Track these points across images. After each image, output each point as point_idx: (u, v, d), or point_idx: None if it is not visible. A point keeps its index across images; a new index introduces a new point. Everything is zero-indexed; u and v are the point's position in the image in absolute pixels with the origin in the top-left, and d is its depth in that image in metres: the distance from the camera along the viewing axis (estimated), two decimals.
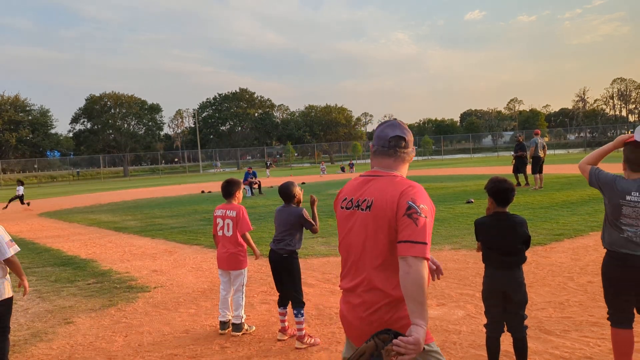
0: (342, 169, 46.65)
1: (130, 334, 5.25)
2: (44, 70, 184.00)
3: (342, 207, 2.45)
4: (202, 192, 27.02)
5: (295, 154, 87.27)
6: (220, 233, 5.30)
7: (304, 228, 4.98)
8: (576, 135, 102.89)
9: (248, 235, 5.33)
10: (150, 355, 4.64)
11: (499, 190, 3.71)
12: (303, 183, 29.56)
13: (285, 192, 5.00)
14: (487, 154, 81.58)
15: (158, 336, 5.14)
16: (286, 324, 4.97)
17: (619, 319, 3.44)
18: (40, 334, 5.34)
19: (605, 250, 3.53)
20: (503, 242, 3.67)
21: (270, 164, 50.28)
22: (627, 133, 3.60)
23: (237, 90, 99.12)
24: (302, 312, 4.72)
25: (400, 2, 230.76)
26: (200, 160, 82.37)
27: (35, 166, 78.33)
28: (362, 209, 2.31)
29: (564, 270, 6.65)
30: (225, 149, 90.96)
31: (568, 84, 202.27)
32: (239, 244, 5.25)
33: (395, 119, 2.48)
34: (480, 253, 3.92)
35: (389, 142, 2.37)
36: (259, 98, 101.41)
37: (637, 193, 3.29)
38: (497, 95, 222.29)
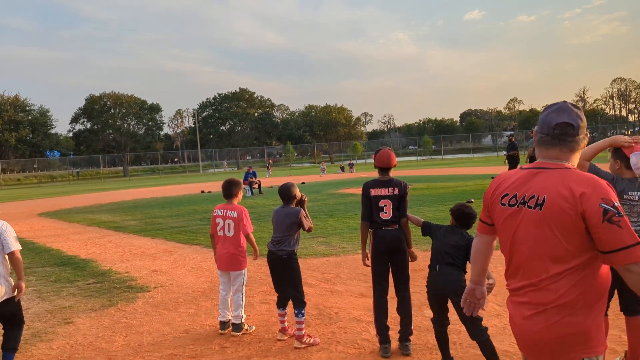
0: (342, 169, 46.69)
1: (130, 334, 5.25)
2: (43, 70, 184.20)
3: (503, 204, 2.22)
4: (202, 192, 27.02)
5: (295, 154, 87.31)
6: (220, 233, 5.24)
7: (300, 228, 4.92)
8: None
9: (252, 236, 5.30)
10: (150, 355, 4.64)
11: (461, 215, 4.02)
12: (303, 183, 29.56)
13: (286, 192, 4.93)
14: (487, 153, 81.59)
15: (158, 336, 5.14)
16: (286, 324, 4.96)
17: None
18: (40, 334, 5.34)
19: None
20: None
21: (268, 165, 50.23)
22: (627, 134, 3.60)
23: (237, 90, 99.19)
24: (302, 312, 4.70)
25: (399, 2, 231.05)
26: (200, 160, 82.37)
27: (35, 166, 78.32)
28: (530, 207, 2.09)
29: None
30: (225, 149, 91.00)
31: (568, 84, 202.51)
32: (239, 244, 5.22)
33: (565, 101, 2.18)
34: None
35: (553, 130, 2.13)
36: (259, 98, 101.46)
37: (633, 192, 3.46)
38: (497, 95, 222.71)
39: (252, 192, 22.15)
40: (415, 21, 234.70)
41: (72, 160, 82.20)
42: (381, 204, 4.42)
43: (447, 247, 3.97)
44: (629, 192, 3.48)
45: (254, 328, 5.18)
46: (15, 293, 4.19)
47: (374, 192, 4.47)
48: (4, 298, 4.13)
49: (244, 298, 5.23)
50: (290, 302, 4.89)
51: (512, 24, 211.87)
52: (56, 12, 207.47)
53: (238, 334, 5.03)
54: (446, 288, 3.92)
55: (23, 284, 4.21)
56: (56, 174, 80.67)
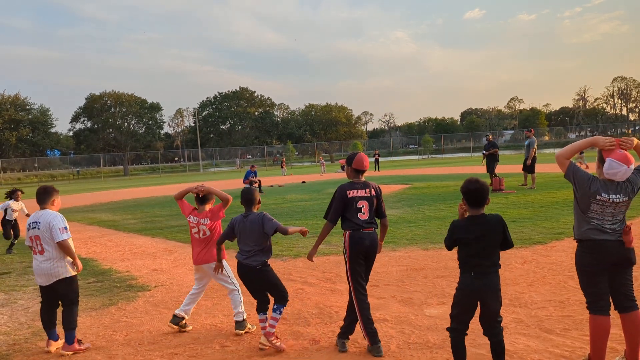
0: (342, 168, 46.62)
1: (130, 333, 5.25)
2: (43, 69, 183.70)
3: None
4: None
5: (296, 153, 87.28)
6: (197, 236, 5.35)
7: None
8: (577, 134, 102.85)
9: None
10: (151, 354, 4.64)
11: (469, 191, 3.64)
12: (303, 182, 29.55)
13: (249, 197, 4.83)
14: None
15: (158, 335, 5.14)
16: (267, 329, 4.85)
17: (598, 305, 3.71)
18: (40, 333, 5.33)
19: (576, 244, 3.86)
20: (479, 246, 3.58)
21: (281, 163, 50.16)
22: (627, 133, 3.70)
23: (237, 89, 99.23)
24: (282, 309, 4.66)
25: (399, 0, 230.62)
26: (200, 159, 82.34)
27: (36, 165, 78.34)
28: None
29: (564, 269, 6.64)
30: (226, 148, 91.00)
31: (568, 83, 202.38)
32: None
33: None
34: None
35: None
36: (259, 97, 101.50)
37: (606, 194, 3.63)
38: (498, 94, 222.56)
39: None
40: (415, 20, 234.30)
41: (72, 159, 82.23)
42: (359, 204, 4.43)
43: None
44: (602, 194, 3.63)
45: (255, 327, 5.15)
46: (65, 275, 4.79)
47: (351, 193, 4.47)
48: (58, 278, 4.76)
49: (240, 294, 5.15)
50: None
51: (512, 23, 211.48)
52: (55, 11, 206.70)
53: (241, 332, 5.00)
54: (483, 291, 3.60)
55: (78, 262, 4.89)
56: (56, 173, 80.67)
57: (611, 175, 3.66)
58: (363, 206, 4.43)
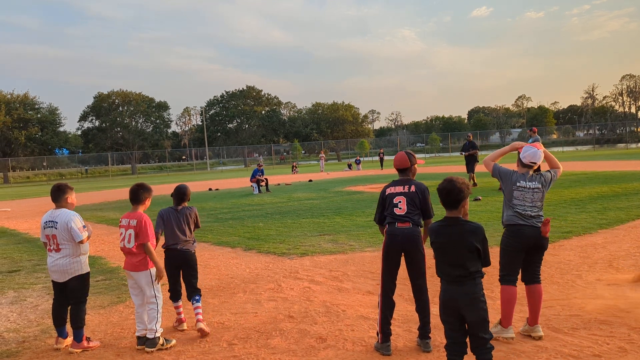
0: (349, 166, 46.52)
1: None
2: (51, 68, 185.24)
3: None
4: (210, 189, 27.08)
5: (303, 152, 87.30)
6: (121, 244, 4.91)
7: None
8: (585, 132, 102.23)
9: (149, 246, 4.77)
10: (159, 352, 4.65)
11: (439, 190, 3.48)
12: (310, 181, 29.55)
13: (183, 192, 5.35)
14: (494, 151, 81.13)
15: (166, 333, 5.16)
16: (182, 315, 5.33)
17: (509, 279, 4.49)
18: (49, 330, 5.37)
19: (503, 230, 4.65)
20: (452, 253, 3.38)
21: (292, 166, 49.57)
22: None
23: (244, 88, 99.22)
24: (199, 297, 5.21)
25: None
26: (207, 158, 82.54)
27: (44, 164, 78.85)
28: None
29: (572, 268, 6.61)
30: (233, 147, 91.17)
31: (576, 81, 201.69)
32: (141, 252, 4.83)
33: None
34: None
35: None
36: (266, 95, 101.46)
37: (524, 182, 4.55)
38: (505, 92, 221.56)
39: (259, 190, 22.18)
40: (422, 18, 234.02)
41: (80, 158, 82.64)
42: (395, 200, 4.44)
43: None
44: (521, 182, 4.55)
45: (173, 342, 4.81)
46: (79, 272, 4.84)
47: (389, 190, 4.53)
48: (73, 275, 4.80)
49: (158, 310, 4.77)
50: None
51: (519, 21, 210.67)
52: (62, 10, 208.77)
53: (152, 349, 4.64)
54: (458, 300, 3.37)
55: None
56: (65, 171, 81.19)
57: (529, 157, 4.61)
58: (400, 201, 4.43)
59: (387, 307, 4.44)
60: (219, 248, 9.68)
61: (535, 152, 4.62)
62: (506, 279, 4.49)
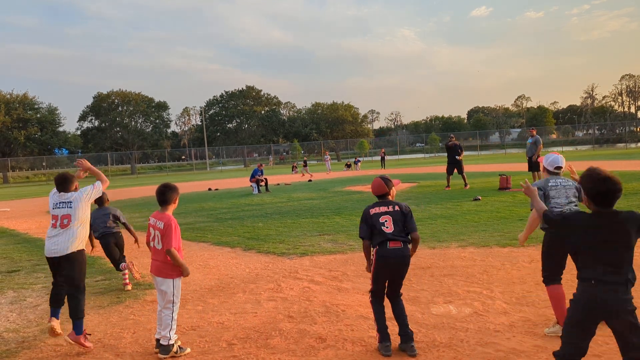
0: (348, 166, 46.51)
1: (138, 331, 5.28)
2: (50, 68, 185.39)
3: None
4: (209, 189, 27.08)
5: (302, 152, 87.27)
6: (151, 244, 4.83)
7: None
8: (584, 132, 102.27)
9: (174, 251, 4.63)
10: (158, 352, 4.65)
11: (600, 192, 3.06)
12: (310, 180, 29.56)
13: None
14: (494, 151, 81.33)
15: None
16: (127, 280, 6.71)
17: (555, 279, 4.63)
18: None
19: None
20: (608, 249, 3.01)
21: (292, 166, 49.41)
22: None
23: (244, 88, 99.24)
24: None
25: None
26: (207, 158, 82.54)
27: (44, 164, 78.75)
28: None
29: (572, 268, 6.57)
30: (232, 147, 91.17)
31: (576, 81, 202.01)
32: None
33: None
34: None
35: None
36: (266, 95, 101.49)
37: (553, 181, 4.72)
38: (505, 92, 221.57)
39: (259, 190, 22.18)
40: (422, 18, 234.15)
41: (80, 158, 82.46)
42: (381, 219, 4.50)
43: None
44: (551, 181, 4.72)
45: (188, 350, 4.66)
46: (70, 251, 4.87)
47: (373, 210, 4.56)
48: (69, 252, 4.85)
49: (173, 317, 4.62)
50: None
51: (519, 20, 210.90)
52: (61, 10, 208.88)
53: (165, 356, 4.52)
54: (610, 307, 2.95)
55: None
56: (64, 171, 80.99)
57: (553, 163, 4.83)
58: (386, 220, 4.49)
59: (379, 312, 4.50)
60: (219, 248, 9.69)
61: (556, 157, 4.87)
62: (551, 278, 4.64)
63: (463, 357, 4.13)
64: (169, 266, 4.63)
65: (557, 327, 4.49)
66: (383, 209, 4.56)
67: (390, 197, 4.70)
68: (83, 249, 5.07)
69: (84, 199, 5.05)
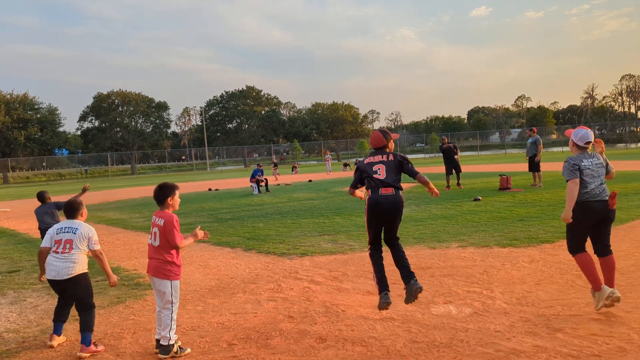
0: (346, 165, 46.29)
1: (138, 331, 5.28)
2: (50, 68, 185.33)
3: None
4: (210, 189, 27.09)
5: (302, 152, 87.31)
6: (149, 241, 4.79)
7: None
8: None
9: (181, 245, 4.65)
10: (158, 352, 4.65)
11: None
12: (310, 181, 29.56)
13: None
14: (494, 151, 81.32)
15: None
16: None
17: (580, 248, 4.96)
18: (49, 331, 5.36)
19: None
20: None
21: (292, 166, 49.36)
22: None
23: (244, 88, 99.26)
24: None
25: None
26: (207, 158, 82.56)
27: (44, 164, 78.83)
28: None
29: (572, 268, 6.61)
30: (232, 147, 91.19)
31: (576, 81, 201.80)
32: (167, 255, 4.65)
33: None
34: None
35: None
36: (266, 96, 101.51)
37: (587, 161, 4.93)
38: (505, 92, 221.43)
39: (259, 190, 22.18)
40: (421, 17, 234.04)
41: (80, 158, 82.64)
42: (374, 168, 4.65)
43: None
44: (584, 161, 4.92)
45: (188, 350, 4.63)
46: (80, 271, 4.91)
47: (366, 160, 4.76)
48: (70, 276, 4.81)
49: (172, 317, 4.60)
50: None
51: (519, 20, 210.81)
52: (61, 10, 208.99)
53: (165, 357, 4.50)
54: None
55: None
56: (65, 172, 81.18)
57: (583, 138, 5.01)
58: (379, 168, 4.65)
59: (378, 263, 4.75)
60: (219, 248, 9.69)
61: (586, 132, 5.05)
62: (575, 248, 4.98)
63: (463, 357, 4.13)
64: (166, 266, 4.62)
65: (596, 295, 4.83)
66: (377, 158, 4.73)
67: (388, 150, 4.84)
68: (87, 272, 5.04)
69: (87, 235, 5.03)
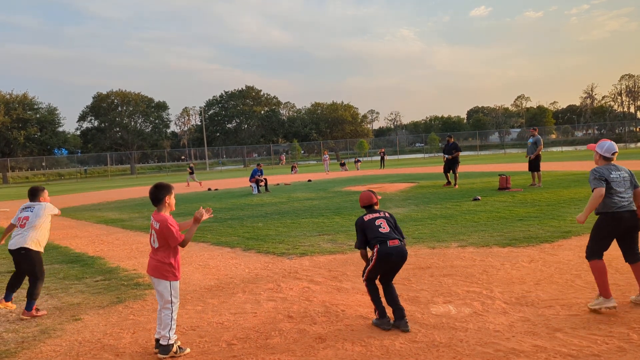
0: (342, 165, 46.04)
1: (137, 331, 5.27)
2: (50, 68, 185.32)
3: None
4: (209, 189, 27.08)
5: (302, 152, 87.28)
6: (150, 241, 4.79)
7: None
8: (584, 132, 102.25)
9: (184, 242, 4.63)
10: (158, 352, 4.65)
11: None
12: (309, 180, 29.56)
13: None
14: (494, 151, 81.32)
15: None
16: None
17: (599, 254, 5.02)
18: (48, 331, 5.38)
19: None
20: None
21: (291, 166, 49.09)
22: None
23: (244, 88, 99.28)
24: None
25: None
26: (207, 158, 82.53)
27: (43, 164, 78.82)
28: None
29: (572, 268, 6.61)
30: (232, 147, 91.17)
31: (576, 81, 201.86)
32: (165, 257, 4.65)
33: None
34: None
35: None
36: (265, 95, 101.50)
37: (615, 173, 5.08)
38: (504, 91, 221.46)
39: (258, 190, 22.18)
40: (421, 17, 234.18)
41: (79, 158, 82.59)
42: (377, 222, 5.03)
43: None
44: (613, 173, 5.06)
45: (188, 350, 4.63)
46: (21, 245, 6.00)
47: (367, 217, 5.10)
48: (19, 246, 5.98)
49: (172, 317, 4.60)
50: None
51: (518, 20, 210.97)
52: (61, 10, 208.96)
53: (165, 356, 4.49)
54: None
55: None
56: (64, 171, 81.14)
57: (608, 149, 5.15)
58: (381, 223, 5.01)
59: (375, 294, 4.99)
60: (218, 248, 9.68)
61: (611, 143, 5.20)
62: (593, 254, 5.05)
63: (462, 357, 4.13)
64: (165, 267, 4.63)
65: (600, 299, 4.93)
66: (375, 215, 5.11)
67: (376, 207, 5.31)
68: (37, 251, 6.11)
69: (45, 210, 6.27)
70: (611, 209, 4.97)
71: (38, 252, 6.09)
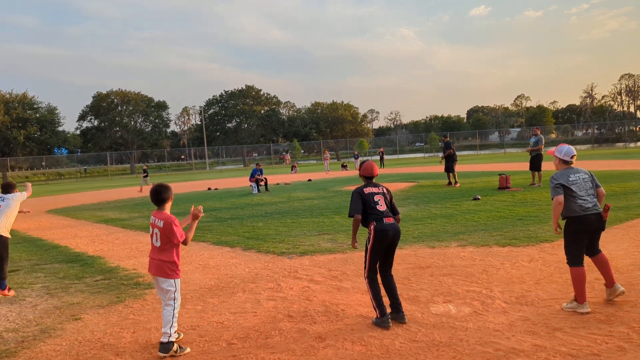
0: (344, 166, 46.12)
1: (137, 330, 5.28)
2: (50, 67, 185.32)
3: None
4: (209, 189, 27.08)
5: (302, 151, 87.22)
6: (151, 241, 4.85)
7: None
8: (584, 131, 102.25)
9: (187, 240, 4.77)
10: (158, 352, 4.65)
11: None
12: (309, 180, 29.56)
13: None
14: (493, 150, 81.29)
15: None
16: None
17: (578, 260, 5.13)
18: (48, 330, 5.38)
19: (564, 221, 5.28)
20: None
21: (291, 165, 49.00)
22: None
23: (243, 87, 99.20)
24: None
25: None
26: (206, 158, 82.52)
27: (43, 163, 78.76)
28: None
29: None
30: (232, 146, 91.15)
31: (575, 80, 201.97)
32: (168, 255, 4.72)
33: None
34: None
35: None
36: (265, 95, 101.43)
37: (574, 176, 5.16)
38: (504, 91, 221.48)
39: (258, 189, 22.18)
40: (421, 17, 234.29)
41: (79, 157, 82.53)
42: (375, 198, 5.10)
43: None
44: (571, 176, 5.14)
45: (188, 349, 4.63)
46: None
47: (367, 190, 5.17)
48: None
49: (174, 314, 4.64)
50: None
51: (518, 20, 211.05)
52: (61, 10, 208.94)
53: (165, 355, 4.49)
54: None
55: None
56: (64, 171, 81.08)
57: (566, 153, 5.27)
58: (379, 199, 5.08)
59: (376, 289, 5.00)
60: (218, 248, 9.68)
61: (569, 147, 5.31)
62: (574, 261, 5.13)
63: (462, 356, 4.13)
64: (169, 265, 4.70)
65: (574, 304, 5.03)
66: (375, 189, 5.18)
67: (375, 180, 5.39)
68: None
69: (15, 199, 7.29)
70: (577, 213, 5.07)
71: (7, 238, 7.15)
